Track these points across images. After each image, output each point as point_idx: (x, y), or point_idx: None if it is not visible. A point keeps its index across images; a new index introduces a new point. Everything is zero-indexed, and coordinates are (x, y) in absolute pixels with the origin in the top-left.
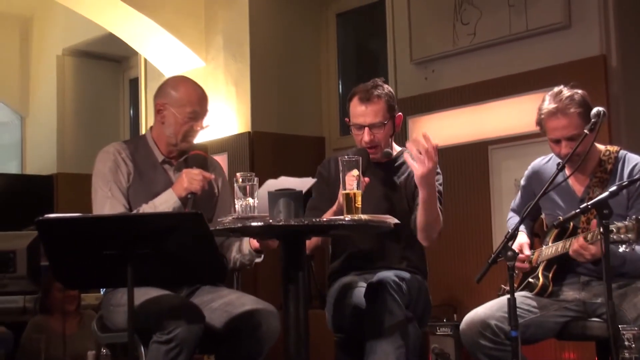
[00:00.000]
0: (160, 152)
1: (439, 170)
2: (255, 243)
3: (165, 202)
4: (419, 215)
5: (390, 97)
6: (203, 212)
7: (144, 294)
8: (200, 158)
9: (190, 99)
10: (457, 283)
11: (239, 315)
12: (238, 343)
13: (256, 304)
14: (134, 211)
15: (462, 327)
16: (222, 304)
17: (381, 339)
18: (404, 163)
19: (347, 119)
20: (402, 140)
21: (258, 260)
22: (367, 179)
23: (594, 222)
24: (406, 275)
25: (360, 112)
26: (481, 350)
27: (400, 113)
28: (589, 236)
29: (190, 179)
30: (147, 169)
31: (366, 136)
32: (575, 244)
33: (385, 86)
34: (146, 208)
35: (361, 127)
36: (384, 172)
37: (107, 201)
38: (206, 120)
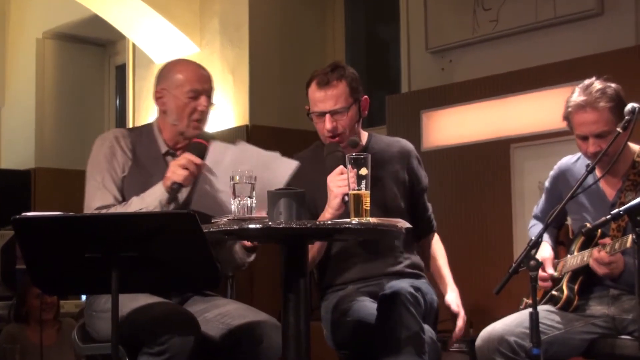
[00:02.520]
0: (165, 142)
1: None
2: (245, 241)
3: (152, 194)
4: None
5: (353, 78)
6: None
7: (132, 301)
8: (200, 147)
9: (188, 78)
10: (473, 294)
11: (238, 328)
12: (236, 358)
13: (257, 316)
14: (123, 203)
15: (477, 343)
16: (217, 314)
17: (397, 356)
18: (378, 148)
19: (306, 107)
20: (416, 136)
21: (249, 259)
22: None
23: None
24: (419, 283)
25: (320, 97)
26: None
27: (366, 96)
28: (608, 248)
29: (174, 167)
30: (147, 160)
31: (328, 123)
32: (593, 257)
33: (348, 67)
34: (135, 200)
35: (322, 114)
36: None
37: (97, 192)
38: (214, 99)
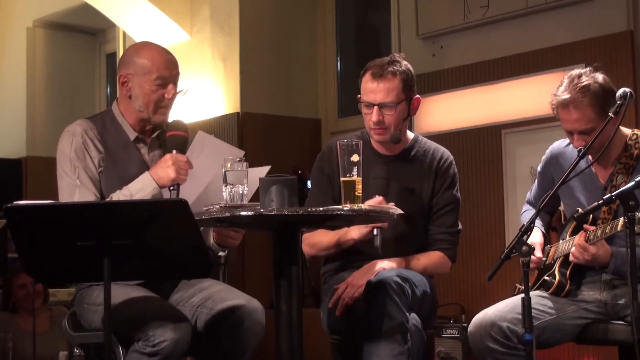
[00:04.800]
0: (132, 128)
1: (455, 171)
2: (217, 236)
3: (142, 189)
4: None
5: (408, 75)
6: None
7: (125, 294)
8: (181, 140)
9: (155, 64)
10: (465, 281)
11: (219, 312)
12: (218, 342)
13: (238, 299)
14: (107, 199)
15: (470, 329)
16: (202, 298)
17: (379, 344)
18: (418, 154)
19: (358, 96)
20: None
21: (222, 254)
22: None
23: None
24: (410, 274)
25: (371, 89)
26: (491, 354)
27: (418, 96)
28: (591, 235)
29: (179, 168)
30: (118, 149)
31: (374, 116)
32: (575, 244)
33: (404, 63)
34: (120, 196)
35: (371, 105)
36: (393, 163)
37: (75, 190)
38: (180, 86)
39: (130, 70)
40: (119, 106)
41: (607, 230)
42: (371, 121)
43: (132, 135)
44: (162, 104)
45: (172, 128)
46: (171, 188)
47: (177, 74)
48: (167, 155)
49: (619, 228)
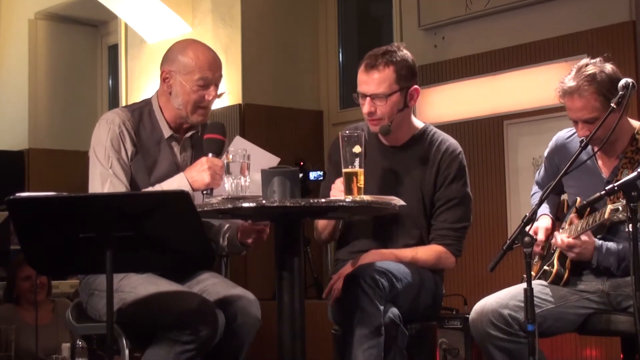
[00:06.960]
0: (167, 124)
1: (463, 164)
2: (242, 236)
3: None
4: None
5: (404, 65)
6: None
7: (152, 283)
8: (218, 143)
9: (199, 65)
10: (468, 272)
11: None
12: None
13: (231, 291)
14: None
15: (471, 316)
16: (198, 290)
17: (352, 337)
18: (423, 145)
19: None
20: None
21: (244, 253)
22: None
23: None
24: (394, 267)
25: (364, 80)
26: (492, 341)
27: (416, 86)
28: (572, 230)
29: (214, 173)
30: (150, 144)
31: (366, 107)
32: (558, 241)
33: (400, 53)
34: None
35: (364, 96)
36: (395, 154)
37: (107, 179)
38: (220, 88)
39: (173, 67)
40: (159, 100)
41: (598, 217)
42: (363, 112)
43: (167, 132)
44: (202, 105)
45: (210, 131)
46: (205, 192)
47: (220, 76)
48: (204, 159)
49: (606, 215)
